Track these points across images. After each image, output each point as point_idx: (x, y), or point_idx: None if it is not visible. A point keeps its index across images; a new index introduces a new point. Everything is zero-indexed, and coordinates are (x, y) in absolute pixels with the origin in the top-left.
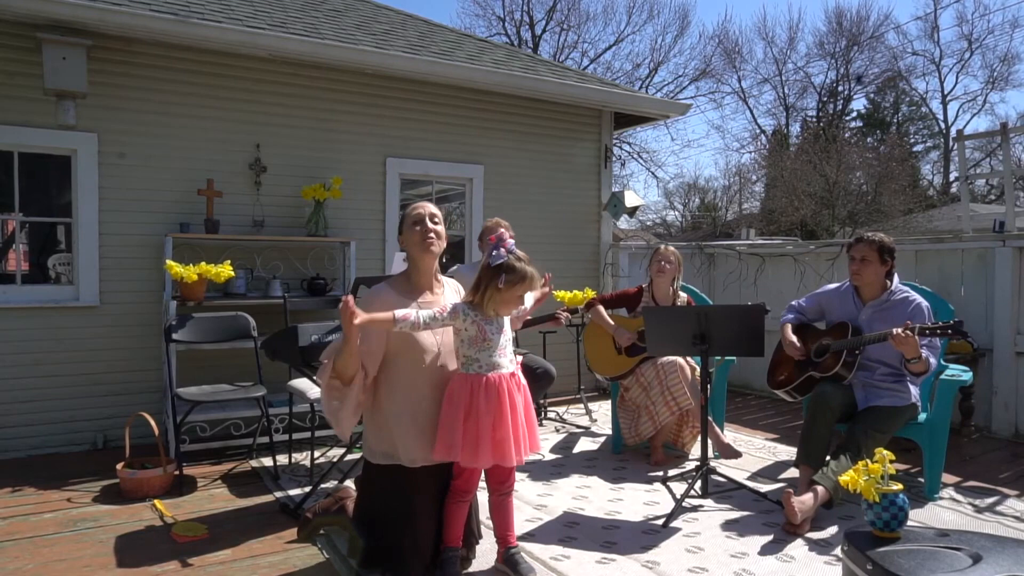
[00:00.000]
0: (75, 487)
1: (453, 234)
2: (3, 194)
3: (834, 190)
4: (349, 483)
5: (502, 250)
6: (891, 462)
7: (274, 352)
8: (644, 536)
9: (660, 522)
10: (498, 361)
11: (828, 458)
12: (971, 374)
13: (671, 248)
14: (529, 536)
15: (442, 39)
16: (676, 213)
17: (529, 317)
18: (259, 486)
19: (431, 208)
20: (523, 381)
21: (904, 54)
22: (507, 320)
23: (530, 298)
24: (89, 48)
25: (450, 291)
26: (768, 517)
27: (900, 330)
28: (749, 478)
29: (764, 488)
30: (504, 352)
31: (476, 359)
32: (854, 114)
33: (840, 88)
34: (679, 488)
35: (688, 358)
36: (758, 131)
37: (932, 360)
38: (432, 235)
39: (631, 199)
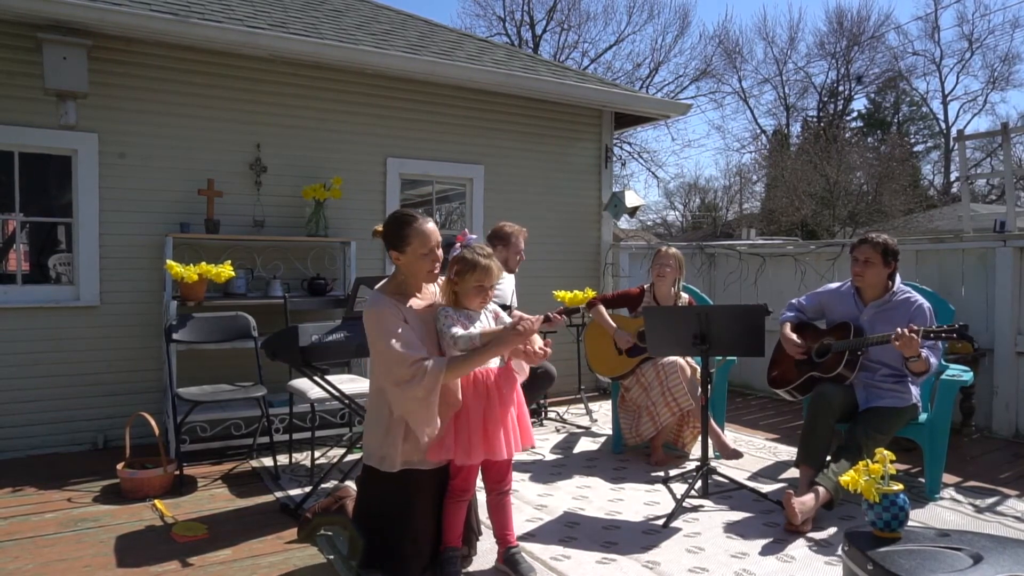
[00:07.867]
0: (75, 487)
1: (452, 234)
2: (3, 194)
3: (834, 190)
4: (349, 483)
5: (457, 245)
6: (891, 462)
7: (274, 352)
8: (644, 536)
9: (660, 522)
10: None
11: (829, 458)
12: (972, 374)
13: (672, 250)
14: (529, 536)
15: (442, 39)
16: (676, 213)
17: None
18: (259, 486)
19: (437, 233)
20: (515, 376)
21: (904, 54)
22: (488, 318)
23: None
24: (89, 48)
25: (434, 291)
26: (769, 517)
27: (904, 330)
28: (750, 478)
29: (765, 488)
30: None
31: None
32: (854, 114)
33: (840, 88)
34: (679, 488)
35: (688, 358)
36: (758, 131)
37: (933, 360)
38: (438, 265)
39: (631, 199)
